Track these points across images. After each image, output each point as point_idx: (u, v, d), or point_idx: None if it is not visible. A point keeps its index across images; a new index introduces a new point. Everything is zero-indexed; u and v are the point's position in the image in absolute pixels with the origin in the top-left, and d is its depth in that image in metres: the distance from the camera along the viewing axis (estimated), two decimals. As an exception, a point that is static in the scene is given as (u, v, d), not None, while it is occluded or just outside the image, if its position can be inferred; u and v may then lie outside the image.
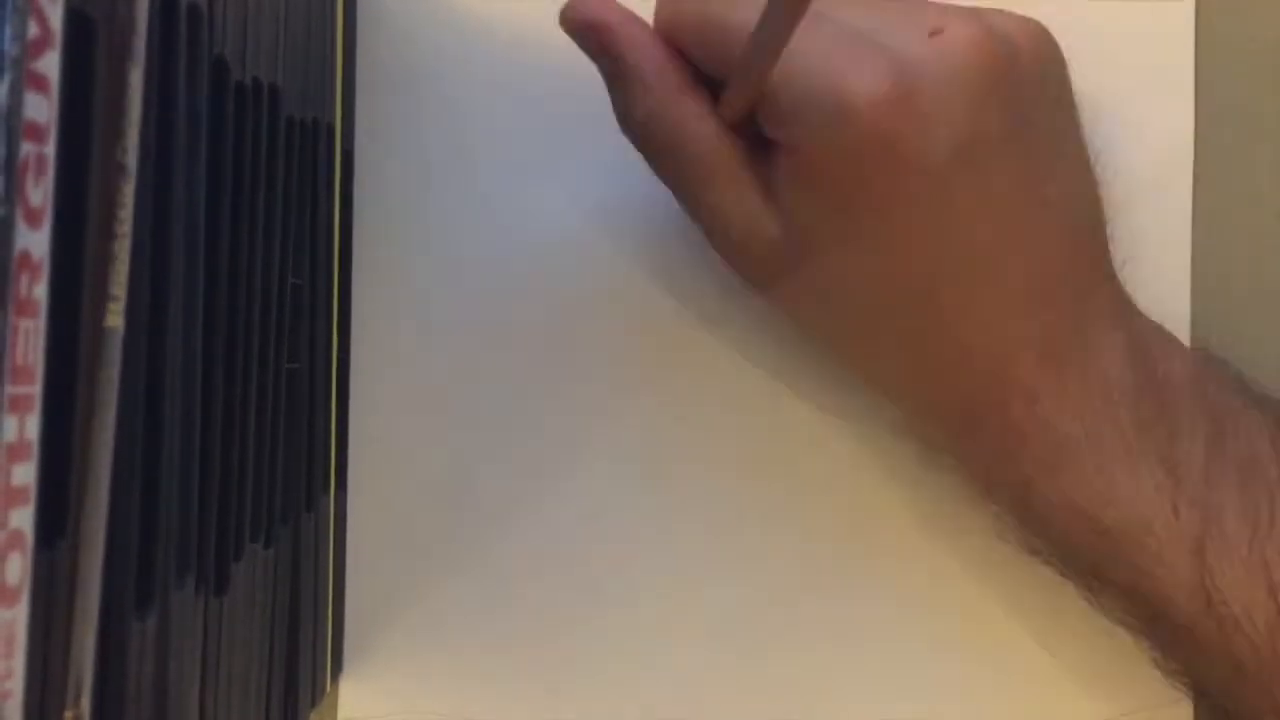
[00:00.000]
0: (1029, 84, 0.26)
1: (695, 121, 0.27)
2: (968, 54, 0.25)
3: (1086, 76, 0.28)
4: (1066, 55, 0.28)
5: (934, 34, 0.25)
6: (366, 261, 0.33)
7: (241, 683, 0.25)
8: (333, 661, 0.32)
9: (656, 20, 0.28)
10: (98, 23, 0.17)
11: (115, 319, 0.18)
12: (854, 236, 0.26)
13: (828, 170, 0.25)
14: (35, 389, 0.16)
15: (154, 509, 0.20)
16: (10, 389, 0.15)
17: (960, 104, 0.24)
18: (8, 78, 0.15)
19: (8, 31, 0.15)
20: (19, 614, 0.15)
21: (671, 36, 0.27)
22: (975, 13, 0.25)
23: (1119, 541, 0.27)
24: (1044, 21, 0.27)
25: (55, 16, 0.15)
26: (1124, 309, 0.29)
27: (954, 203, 0.26)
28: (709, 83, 0.28)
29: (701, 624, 0.32)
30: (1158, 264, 0.31)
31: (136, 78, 0.18)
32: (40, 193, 0.15)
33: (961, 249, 0.26)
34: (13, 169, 0.15)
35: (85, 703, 0.18)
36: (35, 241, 0.15)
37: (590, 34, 0.28)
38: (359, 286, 0.33)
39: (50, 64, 0.16)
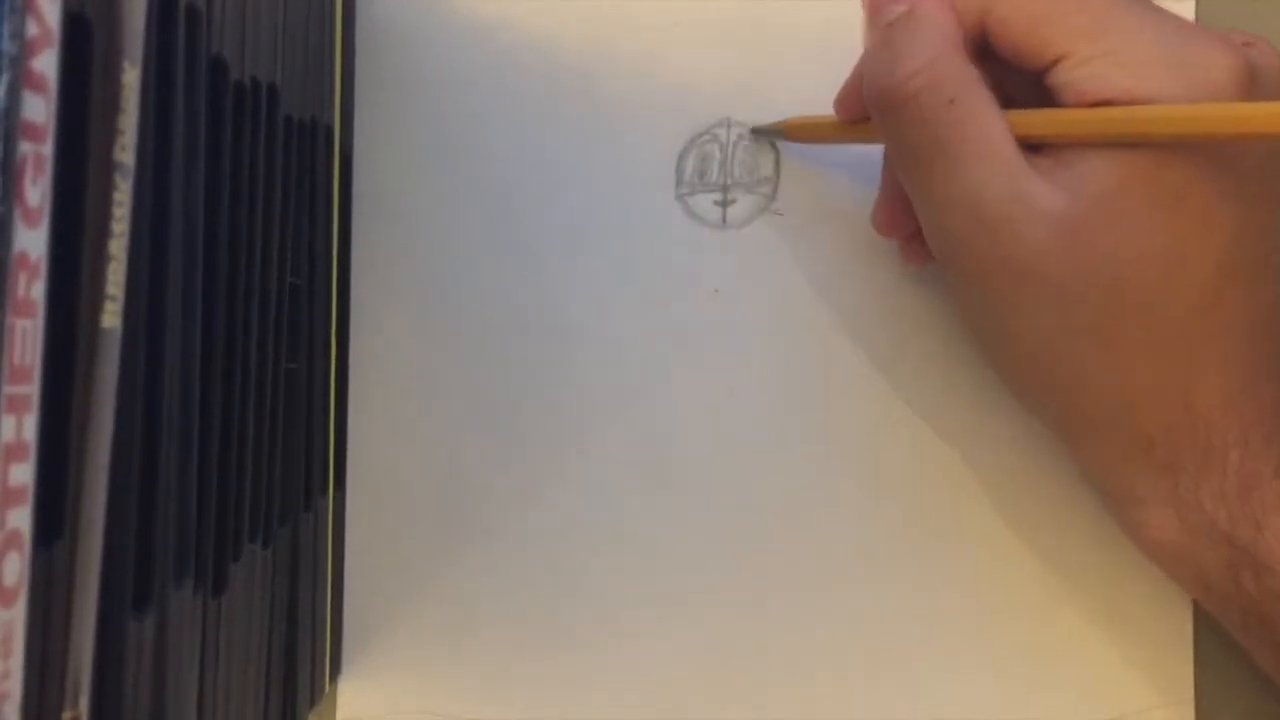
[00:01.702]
0: None
1: (981, 85, 0.26)
2: (1276, 69, 0.26)
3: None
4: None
5: (1247, 44, 0.26)
6: (365, 261, 0.33)
7: (240, 683, 0.25)
8: (331, 662, 0.32)
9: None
10: (95, 22, 0.17)
11: (113, 319, 0.18)
12: (1156, 210, 0.25)
13: None
14: (33, 389, 0.15)
15: (152, 509, 0.20)
16: (8, 389, 0.15)
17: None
18: (5, 77, 0.15)
19: (5, 30, 0.15)
20: (17, 614, 0.15)
21: (968, 14, 0.27)
22: (1265, 37, 0.27)
23: None
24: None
25: (53, 16, 0.15)
26: None
27: (1252, 201, 0.26)
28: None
29: (701, 624, 0.32)
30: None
31: (134, 77, 0.18)
32: (38, 192, 0.15)
33: (1247, 251, 0.26)
34: (10, 168, 0.15)
35: (84, 703, 0.18)
36: (33, 241, 0.15)
37: None
38: (357, 286, 0.33)
39: (48, 63, 0.15)
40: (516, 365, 0.33)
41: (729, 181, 0.33)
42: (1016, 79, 0.27)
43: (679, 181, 0.33)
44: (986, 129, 0.26)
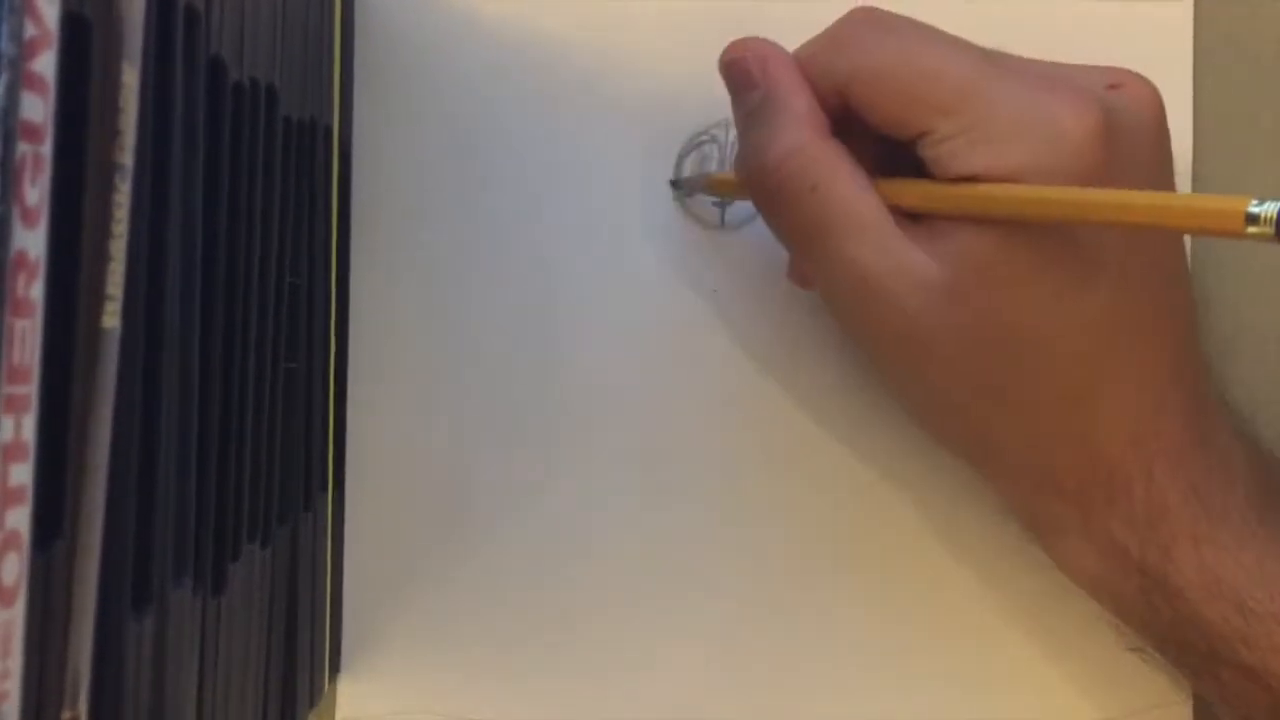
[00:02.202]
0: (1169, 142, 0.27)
1: (845, 164, 0.26)
2: (1150, 105, 0.26)
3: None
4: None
5: (1113, 87, 0.26)
6: (364, 261, 0.33)
7: (239, 683, 0.25)
8: (330, 661, 0.32)
9: (803, 67, 0.27)
10: (94, 23, 0.17)
11: (112, 319, 0.18)
12: (1034, 275, 0.25)
13: None
14: (31, 389, 0.15)
15: (151, 509, 0.20)
16: (7, 389, 0.15)
17: (1146, 148, 0.26)
18: (4, 78, 0.15)
19: (4, 31, 0.15)
20: (16, 614, 0.15)
21: (827, 85, 0.27)
22: (1137, 74, 0.27)
23: (1263, 621, 0.26)
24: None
25: (51, 16, 0.15)
26: (1219, 390, 0.29)
27: (1129, 263, 0.26)
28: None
29: (701, 624, 0.32)
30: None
31: (133, 78, 0.18)
32: (37, 192, 0.15)
33: (1126, 312, 0.26)
34: (9, 169, 0.15)
35: (83, 703, 0.18)
36: (32, 241, 0.15)
37: (743, 65, 0.28)
38: (356, 286, 0.33)
39: (47, 64, 0.15)
40: (516, 365, 0.33)
41: (728, 182, 0.33)
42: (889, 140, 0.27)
43: (678, 183, 0.33)
44: (853, 208, 0.26)
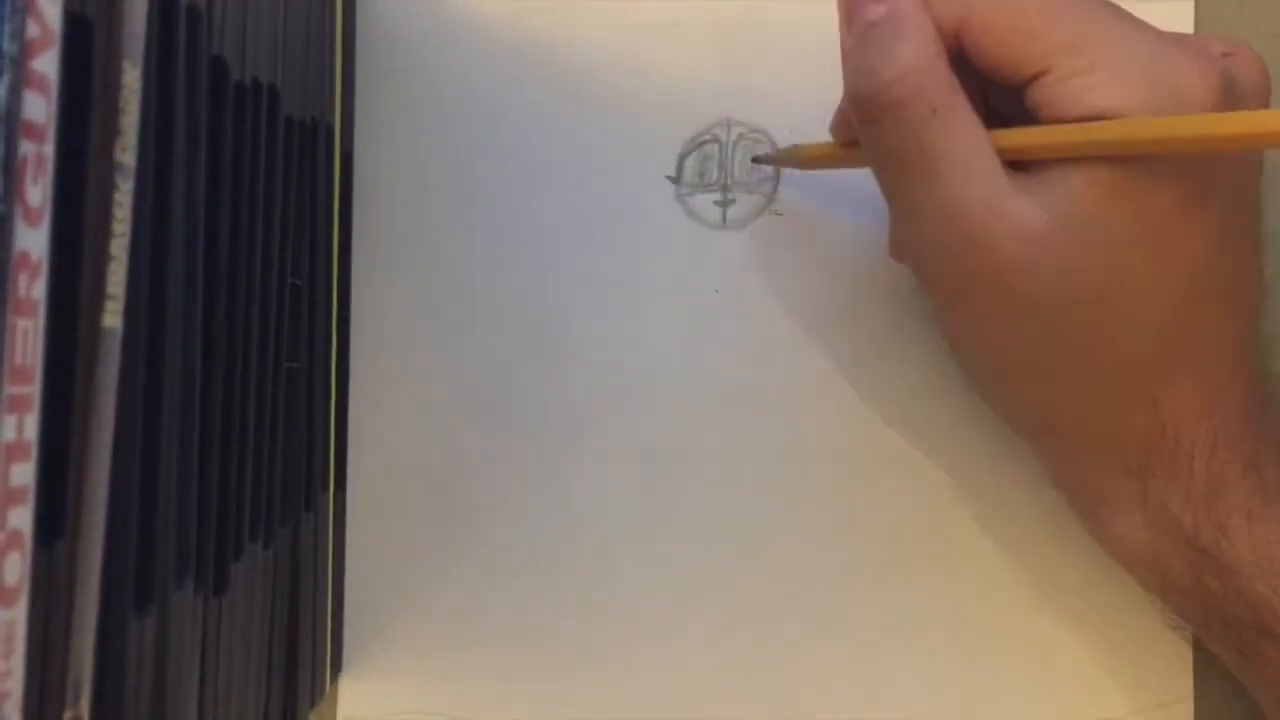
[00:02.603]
0: None
1: (964, 96, 0.26)
2: (1261, 75, 0.26)
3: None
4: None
5: (1227, 55, 0.26)
6: (365, 261, 0.33)
7: (241, 682, 0.25)
8: (332, 661, 0.32)
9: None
10: (95, 22, 0.17)
11: (114, 319, 0.18)
12: (1137, 230, 0.25)
13: None
14: (34, 389, 0.15)
15: (153, 509, 0.20)
16: (9, 389, 0.15)
17: None
18: (6, 77, 0.15)
19: (6, 31, 0.15)
20: (18, 614, 0.15)
21: (944, 26, 0.26)
22: (1248, 44, 0.27)
23: None
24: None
25: (54, 16, 0.15)
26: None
27: (1230, 221, 0.26)
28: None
29: (701, 623, 0.32)
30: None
31: (135, 78, 0.18)
32: (39, 192, 0.15)
33: (1227, 262, 0.26)
34: (11, 168, 0.15)
35: (84, 703, 0.18)
36: (34, 241, 0.15)
37: None
38: (358, 286, 0.33)
39: (49, 64, 0.16)
40: (516, 365, 0.33)
41: (729, 181, 0.33)
42: (991, 90, 0.27)
43: (679, 181, 0.33)
44: (967, 141, 0.25)
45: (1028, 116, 0.26)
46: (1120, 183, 0.25)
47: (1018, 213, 0.25)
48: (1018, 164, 0.26)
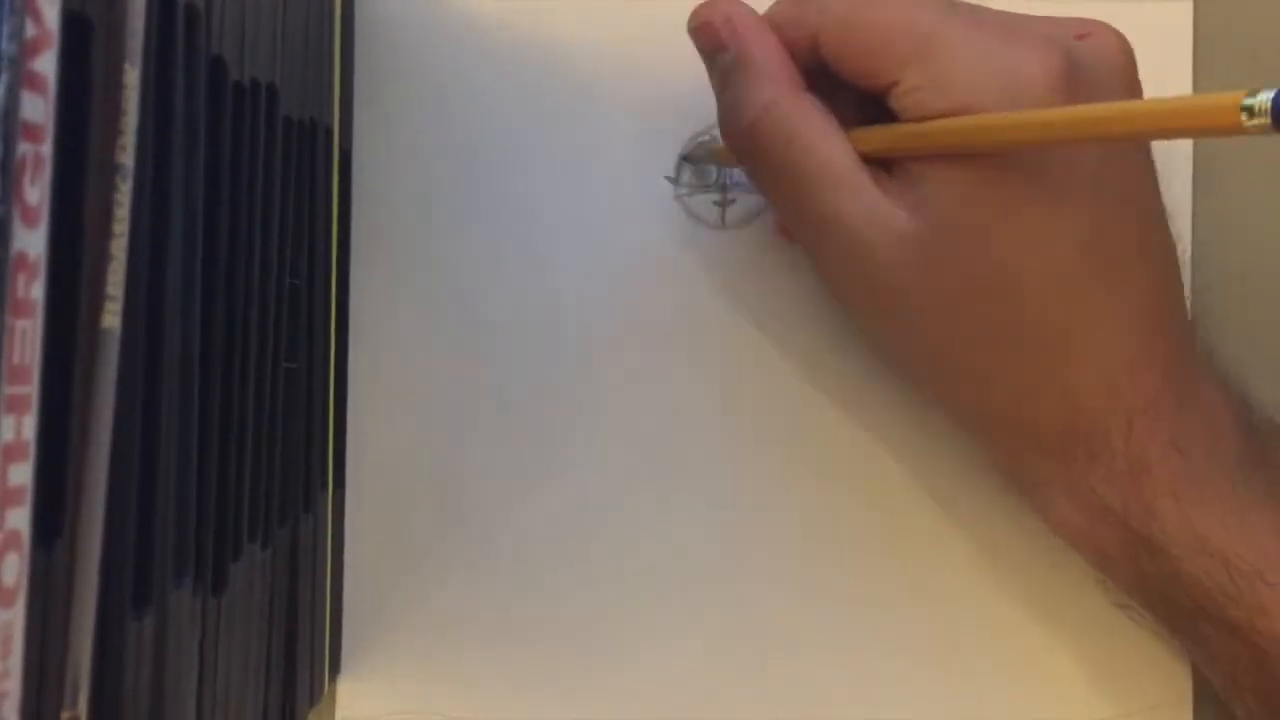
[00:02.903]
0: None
1: (818, 117, 0.27)
2: (1117, 53, 0.26)
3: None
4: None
5: (1081, 37, 0.26)
6: (364, 261, 0.33)
7: (239, 683, 0.25)
8: (331, 661, 0.32)
9: (774, 23, 0.28)
10: (95, 23, 0.17)
11: (112, 319, 0.18)
12: (1002, 220, 0.26)
13: None
14: (32, 389, 0.15)
15: (151, 509, 0.20)
16: (7, 389, 0.15)
17: (1114, 95, 0.26)
18: (5, 77, 0.15)
19: (5, 30, 0.15)
20: (16, 614, 0.15)
21: (798, 39, 0.27)
22: (1105, 24, 0.27)
23: (1248, 579, 0.26)
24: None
25: (52, 16, 0.15)
26: (1208, 347, 0.29)
27: (1100, 199, 0.26)
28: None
29: (701, 623, 0.32)
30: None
31: (134, 78, 0.18)
32: (37, 192, 0.15)
33: (1102, 247, 0.26)
34: (9, 168, 0.15)
35: (83, 703, 0.18)
36: (32, 241, 0.15)
37: (711, 28, 0.28)
38: (357, 286, 0.33)
39: (48, 63, 0.16)
40: (516, 365, 0.33)
41: (728, 181, 0.33)
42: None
43: (678, 181, 0.33)
44: (829, 158, 0.26)
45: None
46: (974, 178, 0.25)
47: (887, 216, 0.26)
48: (888, 168, 0.26)
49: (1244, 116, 0.20)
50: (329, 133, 0.31)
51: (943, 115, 0.25)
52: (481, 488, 0.33)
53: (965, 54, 0.25)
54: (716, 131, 0.33)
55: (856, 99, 0.27)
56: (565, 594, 0.32)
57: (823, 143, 0.27)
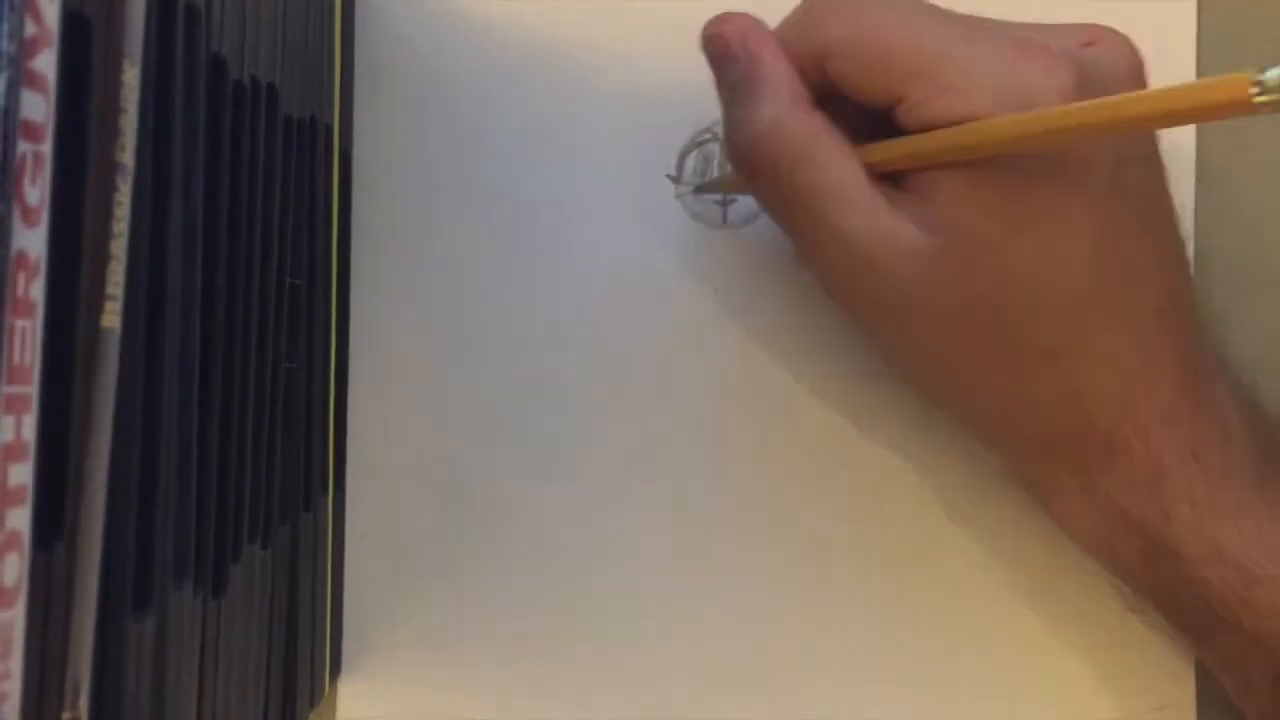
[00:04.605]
0: None
1: (827, 133, 0.27)
2: (1126, 59, 0.26)
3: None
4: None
5: (1087, 44, 0.26)
6: (365, 261, 0.33)
7: (240, 684, 0.25)
8: (331, 662, 0.32)
9: (780, 42, 0.28)
10: (95, 22, 0.17)
11: (112, 319, 0.18)
12: (1016, 234, 0.25)
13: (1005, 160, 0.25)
14: (32, 389, 0.15)
15: (151, 510, 0.20)
16: (7, 389, 0.15)
17: None
18: (4, 76, 0.15)
19: (4, 29, 0.14)
20: (16, 615, 0.15)
21: (804, 57, 0.27)
22: (1112, 29, 0.27)
23: (1263, 585, 0.26)
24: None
25: (52, 15, 0.15)
26: (1219, 352, 0.29)
27: (1113, 208, 0.26)
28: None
29: (701, 624, 0.32)
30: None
31: (133, 76, 0.18)
32: (37, 192, 0.15)
33: (1118, 255, 0.26)
34: (9, 168, 0.15)
35: (83, 704, 0.17)
36: (32, 241, 0.15)
37: (723, 40, 0.28)
38: (357, 286, 0.33)
39: (47, 62, 0.15)
40: (516, 364, 0.33)
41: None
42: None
43: (679, 181, 0.33)
44: (838, 176, 0.26)
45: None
46: (985, 188, 0.25)
47: (897, 231, 0.26)
48: (899, 183, 0.26)
49: (1254, 91, 0.20)
50: (329, 132, 0.31)
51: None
52: (482, 488, 0.32)
53: (973, 68, 0.25)
54: (718, 129, 0.33)
55: (862, 119, 0.27)
56: (565, 594, 0.32)
57: (831, 158, 0.26)
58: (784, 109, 0.27)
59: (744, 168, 0.28)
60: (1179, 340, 0.27)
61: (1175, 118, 0.24)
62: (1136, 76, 0.26)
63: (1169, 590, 0.28)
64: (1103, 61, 0.26)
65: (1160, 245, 0.27)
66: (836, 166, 0.26)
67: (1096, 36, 0.26)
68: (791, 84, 0.27)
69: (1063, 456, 0.28)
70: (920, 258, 0.26)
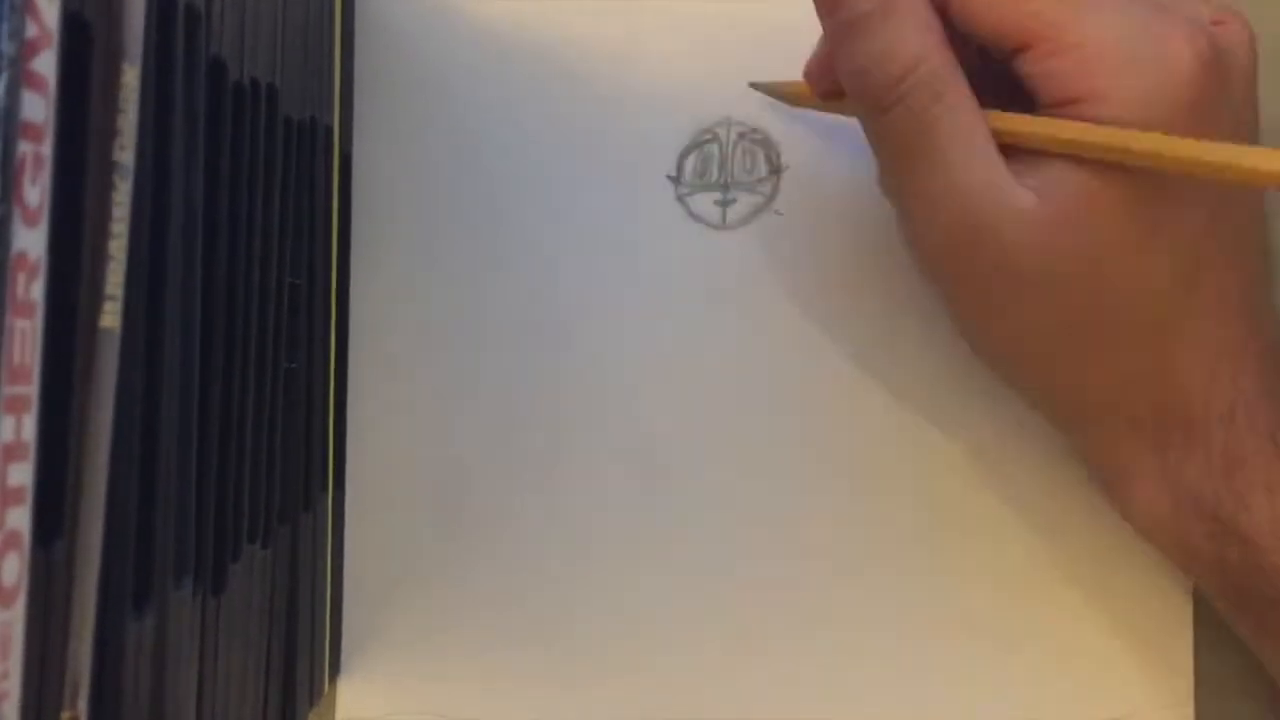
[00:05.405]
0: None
1: (963, 78, 0.26)
2: (1248, 44, 0.26)
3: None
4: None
5: (1216, 23, 0.26)
6: (364, 261, 0.33)
7: (239, 683, 0.25)
8: (331, 662, 0.32)
9: None
10: (94, 23, 0.17)
11: (112, 319, 0.18)
12: (1121, 217, 0.25)
13: (1136, 126, 0.25)
14: (32, 389, 0.15)
15: (151, 509, 0.20)
16: (7, 389, 0.15)
17: (1242, 85, 0.26)
18: (5, 77, 0.15)
19: (5, 30, 0.15)
20: (16, 614, 0.15)
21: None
22: (1237, 12, 0.27)
23: None
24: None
25: (52, 16, 0.15)
26: None
27: (1215, 194, 0.26)
28: None
29: (701, 624, 0.32)
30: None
31: (133, 77, 0.18)
32: (37, 192, 0.15)
33: (1226, 232, 0.26)
34: (9, 168, 0.15)
35: (82, 703, 0.17)
36: (32, 241, 0.15)
37: None
38: (357, 286, 0.33)
39: (47, 63, 0.15)
40: (516, 365, 0.33)
41: (729, 181, 0.33)
42: (974, 62, 0.27)
43: (679, 181, 0.33)
44: (970, 123, 0.26)
45: (1008, 88, 0.26)
46: (1094, 172, 0.25)
47: (1014, 194, 0.25)
48: (1005, 150, 0.26)
49: None
50: (329, 132, 0.31)
51: (1074, 93, 0.25)
52: (481, 487, 0.33)
53: (1112, 27, 0.25)
54: (718, 130, 0.33)
55: (981, 69, 0.26)
56: (565, 594, 0.32)
57: (967, 107, 0.26)
58: (930, 43, 0.26)
59: (876, 101, 0.26)
60: (1263, 326, 0.28)
61: (1255, 182, 0.25)
62: (1253, 63, 0.26)
63: (1235, 575, 0.27)
64: (1229, 42, 0.26)
65: (1251, 234, 0.28)
66: (969, 115, 0.26)
67: (1224, 17, 0.27)
68: (933, 18, 0.26)
69: (1142, 436, 0.28)
70: (1031, 223, 0.25)
